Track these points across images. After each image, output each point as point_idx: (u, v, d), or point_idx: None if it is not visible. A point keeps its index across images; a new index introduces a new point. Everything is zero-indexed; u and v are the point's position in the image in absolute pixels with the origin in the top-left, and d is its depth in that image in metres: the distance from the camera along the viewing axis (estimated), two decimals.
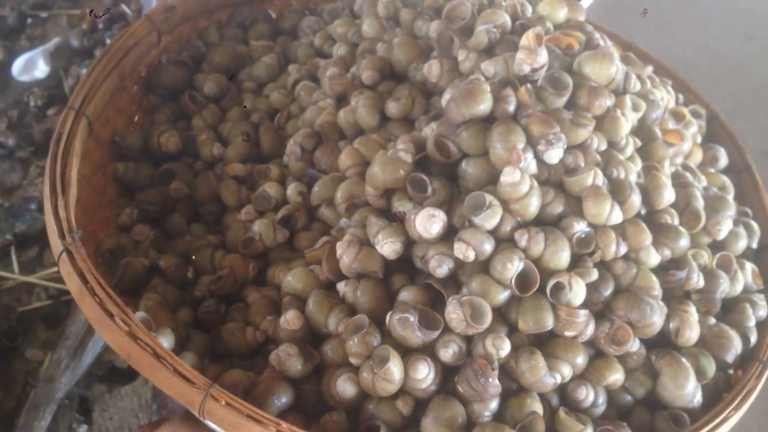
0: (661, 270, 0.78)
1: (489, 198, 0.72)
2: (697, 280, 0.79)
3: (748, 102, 1.72)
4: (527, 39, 0.78)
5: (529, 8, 0.93)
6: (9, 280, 1.25)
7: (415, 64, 0.90)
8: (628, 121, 0.82)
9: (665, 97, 0.93)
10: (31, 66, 1.62)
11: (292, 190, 0.86)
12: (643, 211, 0.80)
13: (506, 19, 0.86)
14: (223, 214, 0.91)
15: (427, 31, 0.95)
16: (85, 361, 1.12)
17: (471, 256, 0.71)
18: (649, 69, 0.96)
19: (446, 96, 0.83)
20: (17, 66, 1.61)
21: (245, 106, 1.00)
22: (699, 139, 1.02)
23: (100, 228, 0.87)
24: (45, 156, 1.43)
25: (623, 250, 0.76)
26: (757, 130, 1.57)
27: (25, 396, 1.14)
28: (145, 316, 0.72)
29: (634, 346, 0.74)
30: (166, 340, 0.72)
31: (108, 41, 1.63)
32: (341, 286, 0.75)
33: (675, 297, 0.80)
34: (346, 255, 0.74)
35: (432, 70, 0.86)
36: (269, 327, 0.75)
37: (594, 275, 0.73)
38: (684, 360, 0.74)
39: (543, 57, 0.78)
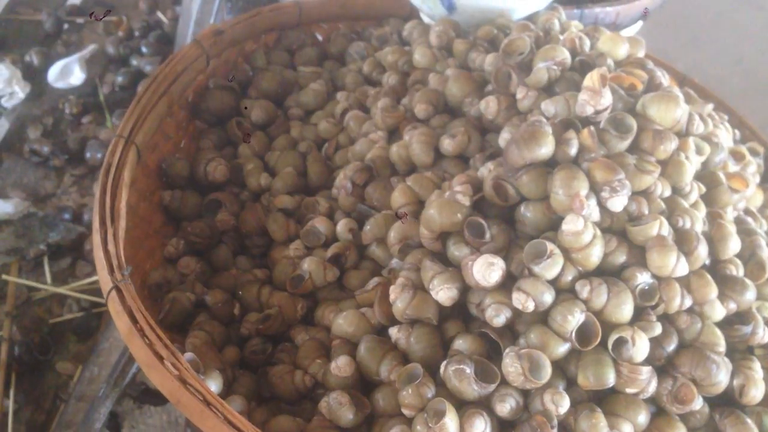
0: (726, 324, 0.75)
1: (550, 246, 0.70)
2: (763, 335, 0.76)
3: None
4: (591, 80, 0.76)
5: (587, 42, 0.91)
6: (41, 291, 1.25)
7: (470, 99, 0.88)
8: (692, 165, 0.79)
9: (727, 138, 0.90)
10: (67, 73, 1.63)
11: (342, 226, 0.84)
12: (707, 262, 0.77)
13: (566, 55, 0.84)
14: (269, 247, 0.89)
15: (482, 64, 0.92)
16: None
17: (530, 306, 0.69)
18: (710, 107, 0.93)
19: (505, 136, 0.81)
20: (53, 72, 1.61)
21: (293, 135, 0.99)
22: (757, 179, 0.99)
23: (145, 259, 0.86)
24: (79, 165, 1.45)
25: (688, 303, 0.73)
26: None
27: (54, 410, 1.14)
28: (192, 357, 0.71)
29: (698, 404, 0.71)
30: (214, 384, 0.70)
31: (144, 49, 1.64)
32: (394, 332, 0.73)
33: (738, 351, 0.77)
34: (399, 300, 0.72)
35: (489, 106, 0.84)
36: (318, 371, 0.74)
37: (657, 330, 0.71)
38: (749, 421, 0.71)
39: (607, 98, 0.75)
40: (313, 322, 0.81)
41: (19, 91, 1.58)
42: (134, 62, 1.64)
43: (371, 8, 1.19)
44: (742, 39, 1.95)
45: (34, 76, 1.63)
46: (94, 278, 1.27)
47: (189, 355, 0.70)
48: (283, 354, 0.77)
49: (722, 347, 0.73)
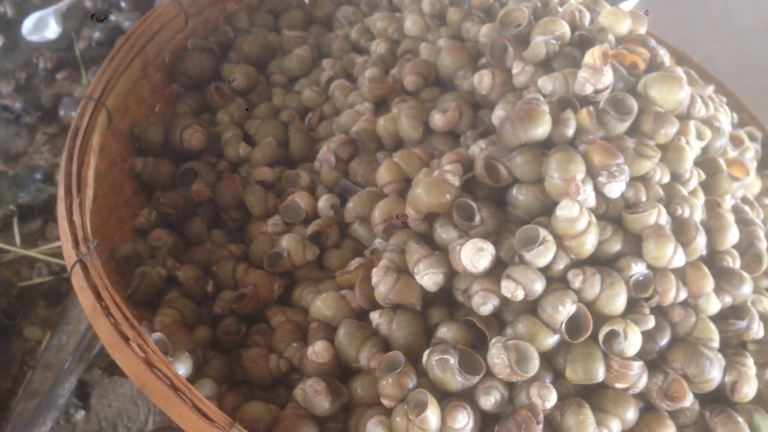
0: (720, 318, 0.72)
1: (543, 233, 0.66)
2: (757, 330, 0.73)
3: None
4: (592, 57, 0.71)
5: (588, 16, 0.87)
6: (9, 253, 1.20)
7: (462, 72, 0.83)
8: (692, 150, 0.76)
9: (726, 122, 0.86)
10: (42, 26, 1.55)
11: (324, 202, 0.79)
12: (704, 253, 0.73)
13: (566, 29, 0.80)
14: (246, 221, 0.85)
15: (476, 34, 0.88)
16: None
17: (520, 295, 0.65)
18: (710, 89, 0.89)
19: (498, 113, 0.76)
20: (27, 25, 1.53)
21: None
22: (755, 165, 0.96)
23: (114, 230, 0.81)
24: (52, 123, 1.39)
25: (683, 295, 0.70)
26: None
27: (21, 376, 1.10)
28: (161, 337, 0.67)
29: (688, 401, 0.68)
30: (183, 366, 0.66)
31: (123, 4, 1.57)
32: (375, 317, 0.69)
33: (730, 346, 0.74)
34: (382, 284, 0.68)
35: (483, 81, 0.80)
36: (294, 355, 0.70)
37: (651, 323, 0.67)
38: (741, 420, 0.69)
39: (608, 77, 0.71)
40: (290, 303, 0.77)
41: None
42: (113, 17, 1.57)
43: None
44: (731, 17, 1.92)
45: (8, 28, 1.56)
46: None
47: (157, 335, 0.66)
48: (257, 335, 0.73)
49: (716, 342, 0.70)
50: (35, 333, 1.14)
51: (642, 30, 0.87)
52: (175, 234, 0.82)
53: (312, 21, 1.08)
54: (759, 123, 1.04)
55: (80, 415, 1.07)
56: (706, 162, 0.81)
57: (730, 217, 0.75)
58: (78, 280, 0.66)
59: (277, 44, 1.01)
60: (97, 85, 0.81)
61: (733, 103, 1.05)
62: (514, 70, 0.78)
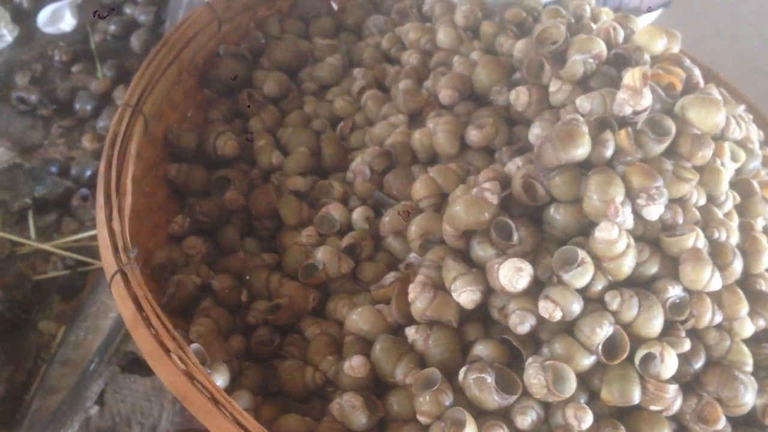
0: (753, 341, 0.73)
1: (581, 254, 0.66)
2: None
3: None
4: (632, 78, 0.72)
5: (621, 33, 0.87)
6: (25, 247, 1.20)
7: (498, 87, 0.83)
8: (728, 172, 0.76)
9: (759, 143, 0.87)
10: (57, 18, 1.55)
11: (358, 215, 0.80)
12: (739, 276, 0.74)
13: (603, 48, 0.80)
14: (278, 230, 0.85)
15: (510, 48, 0.88)
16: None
17: (557, 316, 0.65)
18: (741, 108, 0.89)
19: (536, 131, 0.77)
20: (43, 16, 1.53)
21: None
22: None
23: (149, 235, 0.81)
24: (68, 116, 1.39)
25: (718, 319, 0.70)
26: None
27: (35, 370, 1.10)
28: (199, 348, 0.67)
29: (721, 424, 0.69)
30: (221, 378, 0.67)
31: None
32: (411, 333, 0.70)
33: (762, 368, 0.74)
34: (419, 300, 0.69)
35: (520, 98, 0.80)
36: (329, 368, 0.70)
37: (686, 346, 0.68)
38: None
39: (647, 99, 0.72)
40: (324, 314, 0.78)
41: (7, 34, 1.50)
42: (128, 10, 1.57)
43: None
44: (737, 20, 1.91)
45: (24, 19, 1.55)
46: (80, 235, 1.23)
47: (195, 346, 0.67)
48: (292, 347, 0.73)
49: (750, 366, 0.70)
50: (50, 327, 1.15)
51: (676, 48, 0.87)
52: (209, 242, 0.82)
53: (342, 28, 1.08)
54: None
55: (94, 410, 1.07)
56: (739, 184, 0.81)
57: (765, 241, 0.75)
58: (118, 290, 0.66)
59: (308, 51, 1.01)
60: (134, 92, 0.81)
61: (760, 120, 1.05)
62: (552, 88, 0.78)
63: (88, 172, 1.29)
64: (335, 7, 1.12)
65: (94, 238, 1.23)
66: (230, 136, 0.88)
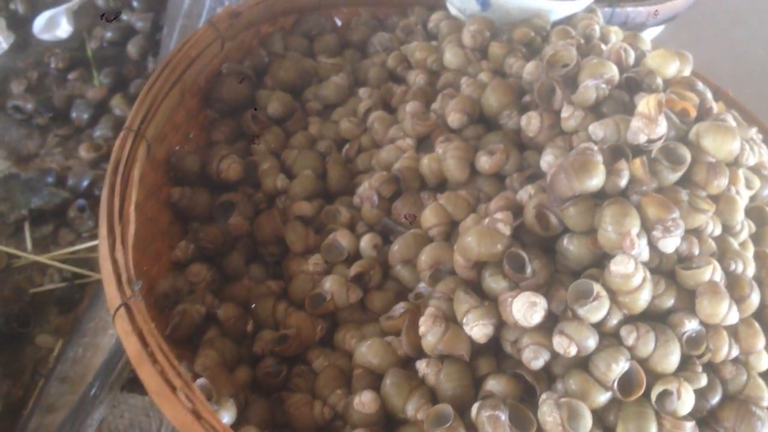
0: None
1: (597, 288, 0.65)
2: None
3: None
4: (647, 106, 0.70)
5: (632, 55, 0.85)
6: (21, 259, 1.18)
7: (508, 111, 0.82)
8: (743, 200, 0.75)
9: None
10: (53, 24, 1.54)
11: (366, 242, 0.78)
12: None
13: (615, 72, 0.78)
14: (283, 255, 0.83)
15: (519, 70, 0.87)
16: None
17: (572, 352, 0.64)
18: (753, 131, 0.88)
19: (548, 158, 0.75)
20: (39, 23, 1.52)
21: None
22: None
23: (152, 262, 0.80)
24: (64, 124, 1.38)
25: (735, 353, 0.69)
26: None
27: (33, 385, 1.08)
28: (205, 383, 0.65)
29: None
30: (227, 414, 0.65)
31: (135, 3, 1.55)
32: (422, 367, 0.68)
33: None
34: (431, 334, 0.67)
35: (531, 123, 0.78)
36: (338, 403, 0.69)
37: (703, 381, 0.66)
38: None
39: (662, 127, 0.70)
40: (332, 344, 0.76)
41: (2, 41, 1.49)
42: (125, 17, 1.56)
43: None
44: (734, 24, 1.91)
45: (19, 26, 1.54)
46: (77, 247, 1.22)
47: (201, 381, 0.65)
48: (299, 379, 0.72)
49: (766, 401, 0.69)
50: (47, 341, 1.13)
51: (688, 70, 0.86)
52: (214, 269, 0.80)
53: (346, 45, 1.07)
54: None
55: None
56: (753, 211, 0.80)
57: None
58: (123, 325, 0.64)
59: (312, 70, 0.99)
60: (136, 116, 0.79)
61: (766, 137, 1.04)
62: (564, 114, 0.77)
63: (85, 182, 1.28)
64: (339, 23, 1.10)
65: (91, 249, 1.21)
66: (234, 159, 0.86)
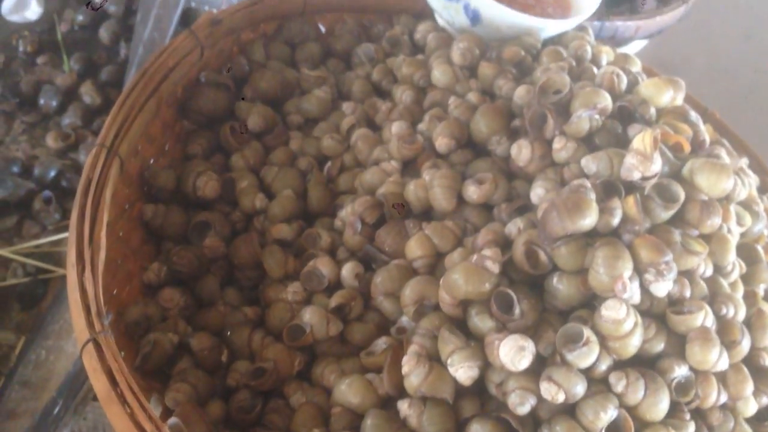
0: (755, 420, 0.70)
1: (587, 333, 0.63)
2: None
3: (743, 103, 1.64)
4: (642, 143, 0.68)
5: (625, 80, 0.83)
6: None
7: (497, 137, 0.79)
8: (734, 239, 0.73)
9: (760, 200, 0.84)
10: (22, 5, 1.48)
11: (348, 271, 0.75)
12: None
13: (608, 101, 0.76)
14: (260, 279, 0.80)
15: (509, 92, 0.84)
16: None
17: (560, 399, 0.62)
18: (744, 161, 0.86)
19: (538, 191, 0.73)
20: (7, 4, 1.46)
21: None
22: None
23: (123, 285, 0.76)
24: (31, 111, 1.32)
25: (723, 398, 0.67)
26: (754, 133, 1.49)
27: None
28: (176, 422, 0.63)
29: None
30: None
31: None
32: (404, 408, 0.66)
33: None
34: (414, 375, 0.65)
35: (522, 153, 0.76)
36: None
37: (691, 429, 0.65)
38: None
39: (657, 165, 0.68)
40: (309, 376, 0.73)
41: None
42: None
43: (381, 1, 1.08)
44: (711, 20, 1.90)
45: None
46: (41, 240, 1.18)
47: (172, 421, 0.62)
48: (275, 415, 0.69)
49: None
50: (8, 338, 1.10)
51: (680, 99, 0.84)
52: (187, 293, 0.77)
53: (330, 53, 1.03)
54: None
55: None
56: (743, 249, 0.78)
57: None
58: (91, 362, 0.61)
59: (294, 81, 0.96)
60: (109, 131, 0.75)
61: (756, 165, 1.03)
62: (556, 146, 0.75)
63: (52, 173, 1.23)
64: (323, 29, 1.07)
65: (56, 243, 1.18)
66: (211, 176, 0.82)
